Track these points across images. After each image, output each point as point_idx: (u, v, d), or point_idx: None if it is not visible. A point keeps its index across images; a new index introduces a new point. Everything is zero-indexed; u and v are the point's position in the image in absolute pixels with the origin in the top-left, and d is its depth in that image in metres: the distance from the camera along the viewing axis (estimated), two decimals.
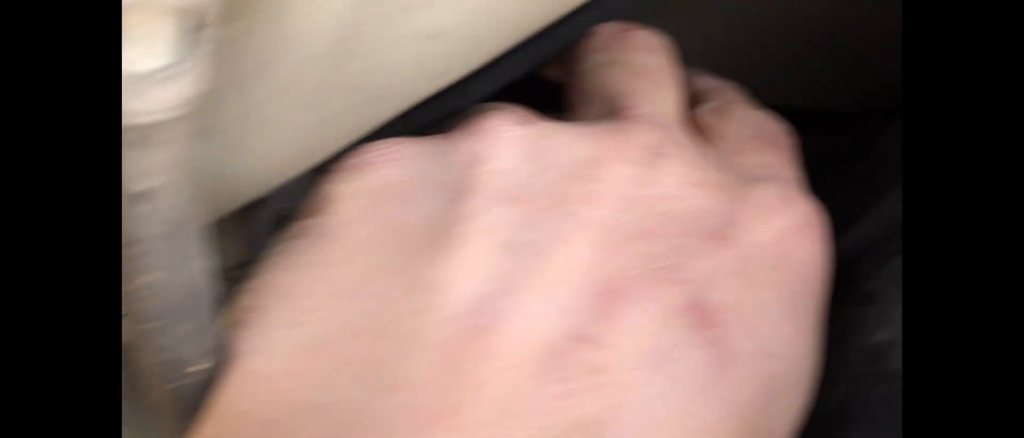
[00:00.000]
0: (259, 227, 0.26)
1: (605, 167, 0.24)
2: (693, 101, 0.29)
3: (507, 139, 0.24)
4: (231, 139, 0.22)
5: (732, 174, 0.25)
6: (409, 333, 0.21)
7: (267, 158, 0.23)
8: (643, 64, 0.27)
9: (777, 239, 0.24)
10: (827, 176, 0.34)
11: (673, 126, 0.26)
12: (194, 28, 0.16)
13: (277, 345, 0.22)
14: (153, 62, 0.16)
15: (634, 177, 0.24)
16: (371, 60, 0.21)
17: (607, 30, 0.28)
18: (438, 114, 0.25)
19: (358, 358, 0.21)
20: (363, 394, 0.21)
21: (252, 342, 0.22)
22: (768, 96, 0.34)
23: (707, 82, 0.31)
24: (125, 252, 0.18)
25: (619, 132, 0.24)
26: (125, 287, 0.19)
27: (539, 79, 0.29)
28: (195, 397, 0.21)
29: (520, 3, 0.22)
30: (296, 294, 0.22)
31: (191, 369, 0.21)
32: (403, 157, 0.24)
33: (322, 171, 0.24)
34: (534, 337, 0.21)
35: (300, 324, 0.22)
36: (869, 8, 0.37)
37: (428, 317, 0.21)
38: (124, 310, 0.20)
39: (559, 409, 0.20)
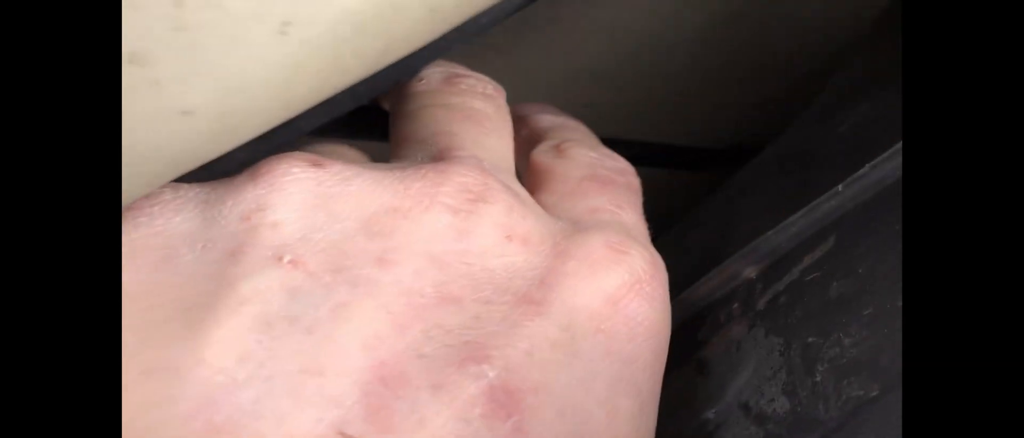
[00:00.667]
0: None
1: (408, 218, 0.20)
2: (533, 141, 0.27)
3: (291, 185, 0.20)
4: None
5: (559, 224, 0.22)
6: (140, 432, 0.17)
7: None
8: (471, 108, 0.24)
9: (603, 300, 0.21)
10: (681, 223, 0.33)
11: (498, 171, 0.22)
12: None
13: None
14: None
15: (442, 229, 0.20)
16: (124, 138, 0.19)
17: (435, 73, 0.25)
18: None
19: None
20: None
21: None
22: (623, 131, 0.33)
23: (548, 120, 0.28)
24: None
25: (433, 173, 0.21)
26: None
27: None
28: None
29: (278, 82, 0.20)
30: None
31: None
32: (174, 206, 0.20)
33: None
34: None
35: None
36: (735, 44, 0.36)
37: (161, 412, 0.17)
38: None
39: None
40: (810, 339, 0.23)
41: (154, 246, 0.20)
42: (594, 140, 0.27)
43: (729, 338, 0.25)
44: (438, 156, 0.22)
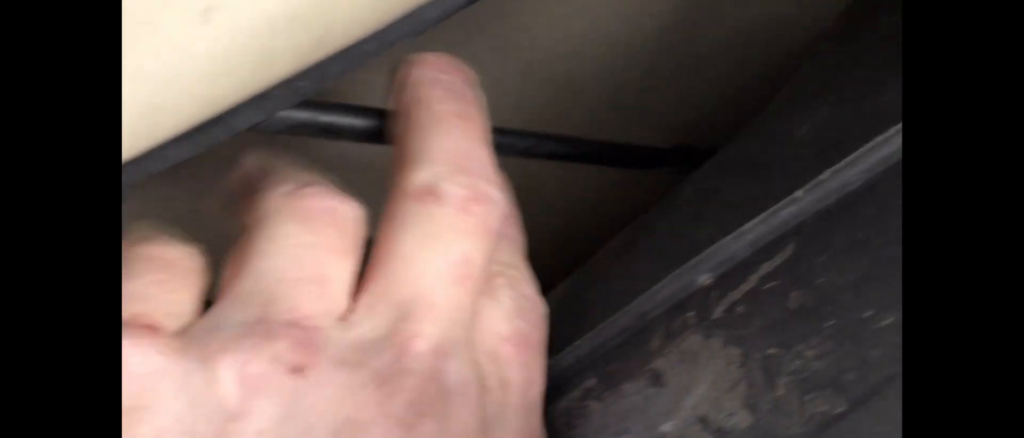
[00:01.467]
0: None
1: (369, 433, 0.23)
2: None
3: (273, 395, 0.22)
4: None
5: None
6: None
7: None
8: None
9: None
10: (632, 226, 0.32)
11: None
12: None
13: None
14: None
15: None
16: None
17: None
18: None
19: None
20: None
21: None
22: (573, 129, 0.32)
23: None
24: None
25: (386, 387, 0.23)
26: None
27: None
28: None
29: (202, 74, 0.18)
30: None
31: None
32: (147, 369, 0.21)
33: None
34: None
35: None
36: (687, 43, 0.35)
37: None
38: None
39: None
40: (770, 350, 0.22)
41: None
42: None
43: (684, 348, 0.24)
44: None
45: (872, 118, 0.22)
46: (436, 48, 0.35)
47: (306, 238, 0.24)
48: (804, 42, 0.35)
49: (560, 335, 0.29)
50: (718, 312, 0.24)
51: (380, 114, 0.29)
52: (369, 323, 0.23)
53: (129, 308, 0.22)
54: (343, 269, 0.24)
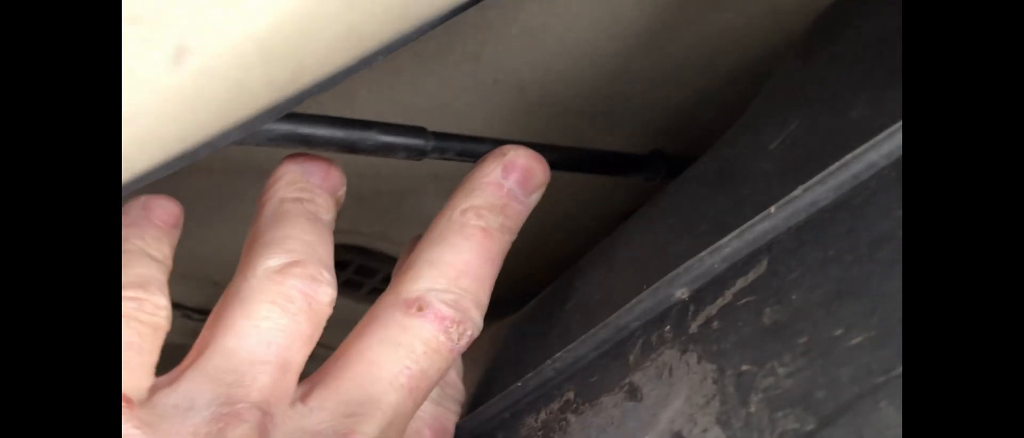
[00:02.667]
0: None
1: None
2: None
3: None
4: None
5: None
6: None
7: None
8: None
9: None
10: (609, 238, 0.32)
11: None
12: None
13: None
14: None
15: None
16: None
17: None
18: None
19: None
20: None
21: None
22: (547, 137, 0.32)
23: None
24: None
25: None
26: None
27: None
28: None
29: (175, 112, 0.18)
30: None
31: None
32: None
33: None
34: None
35: None
36: (660, 51, 0.36)
37: None
38: None
39: None
40: (744, 367, 0.22)
41: None
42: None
43: (661, 362, 0.25)
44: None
45: (841, 135, 0.22)
46: (410, 59, 0.35)
47: (280, 322, 0.26)
48: (777, 48, 0.35)
49: (541, 346, 0.29)
50: (694, 327, 0.24)
51: (358, 125, 0.29)
52: (318, 415, 0.26)
53: None
54: (303, 356, 0.26)
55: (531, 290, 0.36)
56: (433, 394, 0.30)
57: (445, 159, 0.31)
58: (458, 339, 0.27)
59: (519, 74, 0.37)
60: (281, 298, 0.26)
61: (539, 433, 0.28)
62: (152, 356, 0.25)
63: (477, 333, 0.28)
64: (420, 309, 0.27)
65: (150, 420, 0.24)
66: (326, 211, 0.29)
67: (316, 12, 0.18)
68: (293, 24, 0.18)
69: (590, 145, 0.36)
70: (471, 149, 0.31)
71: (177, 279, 0.43)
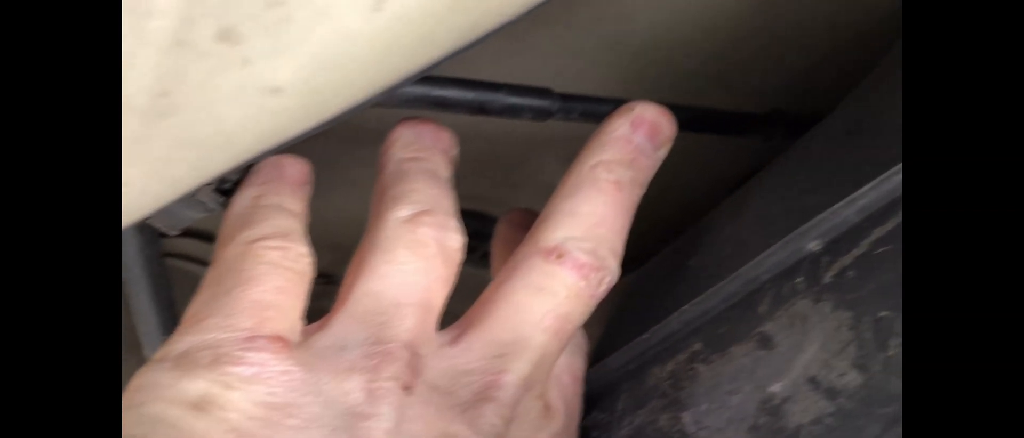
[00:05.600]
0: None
1: None
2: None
3: (389, 400, 0.25)
4: None
5: None
6: None
7: None
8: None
9: None
10: (736, 195, 0.32)
11: None
12: None
13: None
14: None
15: None
16: (199, 114, 0.19)
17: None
18: None
19: None
20: None
21: None
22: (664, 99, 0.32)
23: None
24: None
25: None
26: None
27: None
28: None
29: (369, 54, 0.19)
30: None
31: None
32: (289, 378, 0.25)
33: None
34: None
35: None
36: (777, 8, 0.36)
37: None
38: None
39: None
40: (882, 313, 0.22)
41: (287, 414, 0.25)
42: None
43: (793, 312, 0.25)
44: None
45: None
46: (528, 24, 0.36)
47: (417, 265, 0.27)
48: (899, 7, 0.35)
49: (666, 300, 0.30)
50: (828, 277, 0.24)
51: (487, 87, 0.30)
52: (468, 355, 0.27)
53: (256, 315, 0.25)
54: (442, 298, 0.28)
55: (645, 249, 0.36)
56: (572, 345, 0.31)
57: (569, 120, 0.32)
58: (598, 285, 0.28)
59: (638, 37, 0.37)
60: (415, 244, 0.27)
61: (666, 383, 0.28)
62: (301, 300, 0.26)
63: (615, 280, 0.29)
64: (559, 257, 0.28)
65: (307, 359, 0.25)
66: (442, 169, 0.30)
67: None
68: None
69: (708, 106, 0.36)
70: (595, 109, 0.32)
71: None
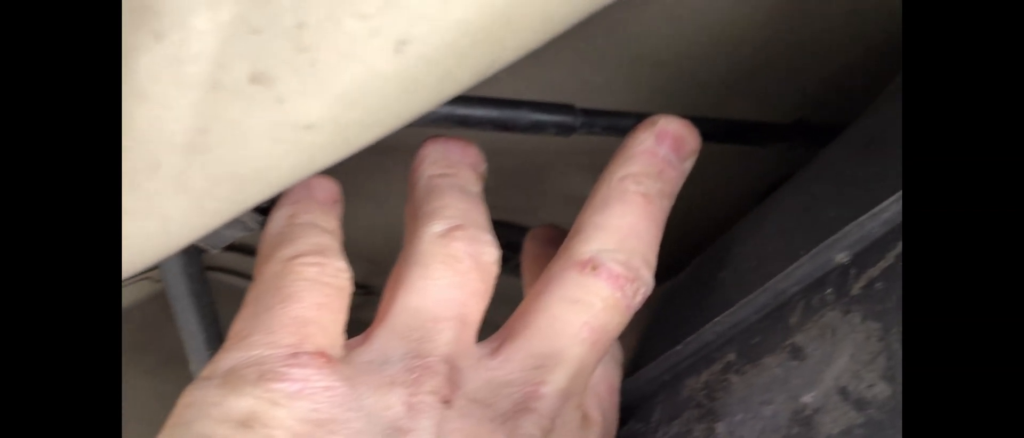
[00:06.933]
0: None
1: None
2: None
3: (428, 414, 0.25)
4: None
5: None
6: None
7: (132, 244, 0.21)
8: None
9: None
10: (760, 207, 0.33)
11: None
12: None
13: None
14: None
15: None
16: (237, 151, 0.19)
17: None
18: None
19: None
20: None
21: None
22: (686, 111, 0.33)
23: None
24: None
25: None
26: None
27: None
28: None
29: (394, 92, 0.20)
30: None
31: None
32: (333, 394, 0.25)
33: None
34: None
35: None
36: (798, 19, 0.36)
37: None
38: None
39: None
40: None
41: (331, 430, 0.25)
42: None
43: (823, 323, 0.25)
44: None
45: None
46: (549, 42, 0.36)
47: (453, 279, 0.28)
48: None
49: (698, 312, 0.30)
50: (857, 289, 0.25)
51: (510, 104, 0.31)
52: (507, 366, 0.28)
53: (298, 331, 0.26)
54: (479, 311, 0.28)
55: (675, 260, 0.37)
56: (607, 357, 0.32)
57: (592, 134, 0.32)
58: (632, 296, 0.29)
59: (659, 50, 0.37)
60: (450, 259, 0.28)
61: (701, 393, 0.29)
62: (341, 315, 0.27)
63: (650, 291, 0.29)
64: (594, 269, 0.28)
65: (349, 374, 0.26)
66: (472, 184, 0.30)
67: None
68: (500, 10, 0.20)
69: (732, 117, 0.36)
70: (618, 124, 0.32)
71: None
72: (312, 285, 0.27)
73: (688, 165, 0.31)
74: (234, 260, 0.52)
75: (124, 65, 0.17)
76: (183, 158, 0.20)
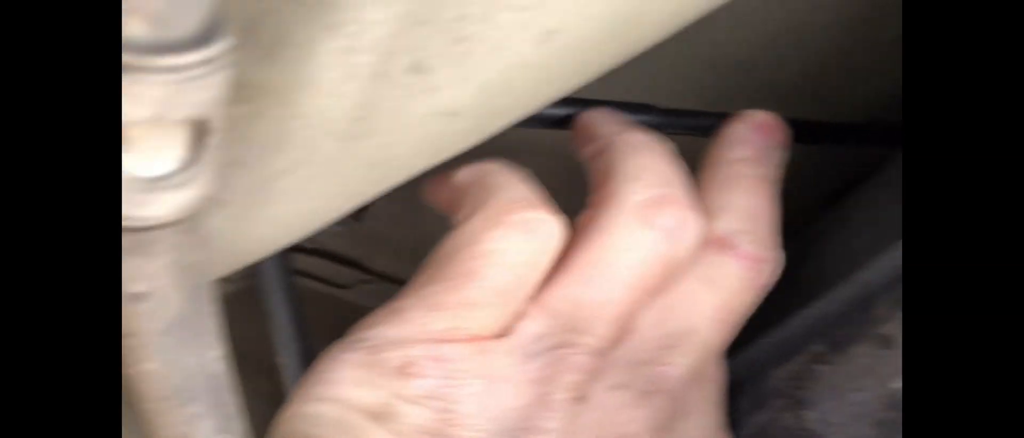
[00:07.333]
0: None
1: None
2: None
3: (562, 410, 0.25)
4: (242, 210, 0.21)
5: None
6: None
7: (279, 224, 0.23)
8: None
9: None
10: (845, 203, 0.34)
11: None
12: (200, 136, 0.16)
13: None
14: (160, 168, 0.16)
15: None
16: (389, 137, 0.21)
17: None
18: None
19: None
20: None
21: None
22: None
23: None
24: (124, 342, 0.18)
25: None
26: (125, 371, 0.19)
27: None
28: None
29: (534, 80, 0.21)
30: None
31: None
32: (467, 391, 0.25)
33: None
34: None
35: None
36: (877, 16, 0.37)
37: None
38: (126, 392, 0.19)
39: None
40: None
41: None
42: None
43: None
44: None
45: None
46: None
47: (660, 248, 0.27)
48: None
49: (782, 304, 0.31)
50: None
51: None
52: (638, 348, 0.27)
53: (455, 317, 0.25)
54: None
55: None
56: None
57: (672, 134, 0.33)
58: (765, 275, 0.28)
59: (734, 53, 0.38)
60: (655, 227, 0.27)
61: (788, 383, 0.30)
62: (526, 284, 0.26)
63: (779, 270, 0.29)
64: (729, 247, 0.28)
65: (489, 367, 0.26)
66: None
67: None
68: (636, 5, 0.21)
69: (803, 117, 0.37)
70: (697, 123, 0.33)
71: (380, 247, 0.46)
72: (502, 255, 0.25)
73: (783, 156, 0.31)
74: (318, 266, 0.52)
75: (295, 56, 0.19)
76: (339, 144, 0.21)
